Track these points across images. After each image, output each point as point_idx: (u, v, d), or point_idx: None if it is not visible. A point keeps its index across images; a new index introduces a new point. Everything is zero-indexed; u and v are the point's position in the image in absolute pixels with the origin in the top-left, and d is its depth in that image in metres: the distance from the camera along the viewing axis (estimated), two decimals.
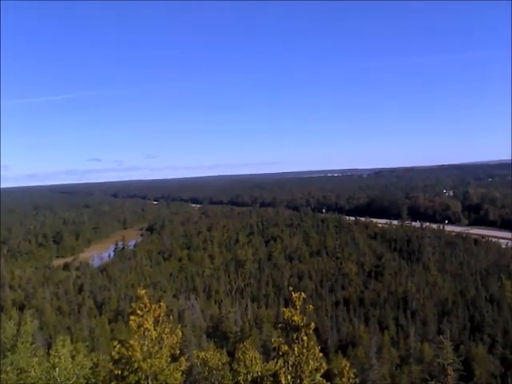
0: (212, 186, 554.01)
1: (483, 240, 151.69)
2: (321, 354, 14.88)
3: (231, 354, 38.88)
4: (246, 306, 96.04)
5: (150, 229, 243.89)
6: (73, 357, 25.69)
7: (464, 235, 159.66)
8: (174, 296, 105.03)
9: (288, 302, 15.35)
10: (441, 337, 23.08)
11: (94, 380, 22.65)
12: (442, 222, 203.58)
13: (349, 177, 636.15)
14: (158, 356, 17.61)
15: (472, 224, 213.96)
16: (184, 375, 20.83)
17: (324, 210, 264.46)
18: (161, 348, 18.15)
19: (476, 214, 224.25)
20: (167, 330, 19.02)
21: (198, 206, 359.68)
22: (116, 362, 17.08)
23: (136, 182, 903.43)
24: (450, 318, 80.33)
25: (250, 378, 18.58)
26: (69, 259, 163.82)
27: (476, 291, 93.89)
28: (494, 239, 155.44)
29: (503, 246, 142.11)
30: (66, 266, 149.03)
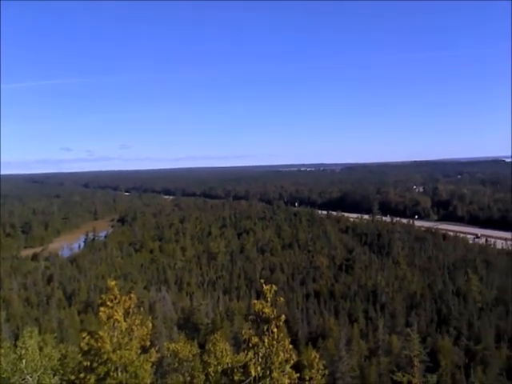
0: (185, 178, 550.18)
1: (451, 235, 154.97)
2: (291, 346, 15.00)
3: (202, 346, 38.90)
4: (218, 298, 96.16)
5: (122, 220, 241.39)
6: (40, 348, 25.30)
7: (433, 230, 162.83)
8: (145, 288, 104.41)
9: (260, 295, 15.44)
10: (408, 329, 23.54)
11: (62, 372, 22.39)
12: (412, 217, 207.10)
13: (322, 171, 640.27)
14: (128, 347, 17.47)
15: (441, 219, 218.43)
16: (154, 367, 20.77)
17: (297, 204, 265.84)
18: (131, 339, 18.00)
19: (445, 210, 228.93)
20: (137, 322, 18.87)
21: (171, 197, 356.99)
22: (85, 353, 16.88)
23: (108, 172, 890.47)
24: (418, 310, 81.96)
25: (220, 369, 18.64)
26: (38, 249, 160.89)
27: (443, 285, 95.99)
28: (461, 235, 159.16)
29: (470, 242, 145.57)
30: (34, 257, 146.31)
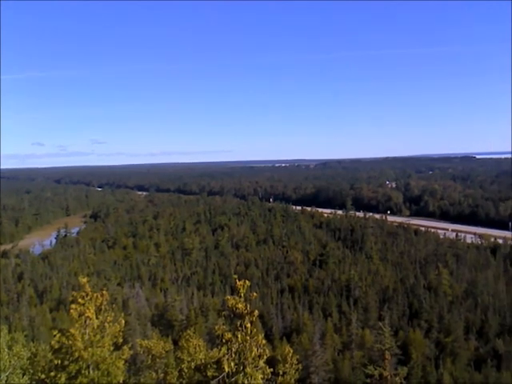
0: (159, 174, 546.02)
1: (423, 230, 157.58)
2: (264, 341, 15.04)
3: (176, 342, 38.74)
4: (192, 294, 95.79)
5: (94, 216, 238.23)
6: (9, 347, 24.83)
7: (405, 225, 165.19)
8: (119, 284, 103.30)
9: (234, 290, 15.44)
10: (380, 323, 23.91)
11: (31, 370, 22.00)
12: (385, 212, 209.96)
13: (296, 167, 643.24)
14: (100, 345, 17.28)
15: (413, 215, 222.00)
16: (127, 364, 20.60)
17: (271, 200, 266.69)
18: (103, 337, 17.80)
19: (417, 206, 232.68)
20: (110, 319, 18.67)
21: (144, 193, 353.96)
22: (56, 351, 16.64)
23: (80, 167, 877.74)
24: (390, 304, 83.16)
25: (193, 365, 18.57)
26: (8, 246, 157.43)
27: (415, 279, 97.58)
28: (433, 229, 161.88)
29: (441, 236, 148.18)
30: (4, 254, 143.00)
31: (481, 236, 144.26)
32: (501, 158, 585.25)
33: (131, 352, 20.51)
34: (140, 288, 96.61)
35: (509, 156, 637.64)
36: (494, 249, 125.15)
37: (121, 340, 19.27)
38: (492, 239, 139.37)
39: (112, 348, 18.37)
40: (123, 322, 19.72)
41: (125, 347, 19.25)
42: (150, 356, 27.00)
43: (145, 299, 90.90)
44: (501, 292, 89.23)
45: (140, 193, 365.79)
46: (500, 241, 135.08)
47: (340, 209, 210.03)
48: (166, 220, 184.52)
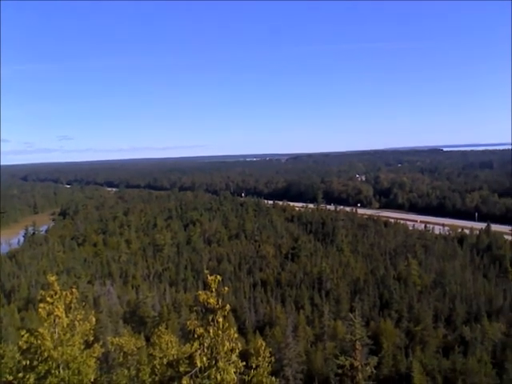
0: (129, 170, 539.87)
1: (392, 222, 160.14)
2: (236, 335, 15.09)
3: (149, 339, 38.54)
4: (165, 290, 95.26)
5: (63, 213, 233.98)
6: None
7: (375, 218, 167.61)
8: (89, 282, 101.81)
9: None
10: (350, 314, 24.24)
11: None
12: (355, 205, 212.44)
13: (267, 161, 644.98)
14: (70, 343, 17.06)
15: (382, 207, 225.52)
16: (99, 362, 20.37)
17: (243, 194, 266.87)
18: (73, 335, 17.58)
19: (386, 198, 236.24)
20: (80, 317, 18.45)
21: (114, 189, 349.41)
22: (24, 351, 16.35)
23: (48, 164, 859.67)
24: (361, 296, 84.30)
25: (165, 361, 18.51)
26: None
27: (385, 270, 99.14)
28: (402, 221, 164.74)
29: (410, 228, 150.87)
30: None
31: (448, 227, 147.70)
32: (467, 151, 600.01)
33: (103, 350, 20.31)
34: (111, 285, 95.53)
35: (475, 148, 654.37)
36: (461, 239, 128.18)
37: (92, 338, 19.07)
38: (459, 230, 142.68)
39: (83, 346, 18.16)
40: (94, 319, 19.52)
41: (96, 345, 19.06)
42: (122, 353, 26.79)
43: (116, 296, 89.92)
44: (468, 281, 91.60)
45: (110, 189, 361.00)
46: (467, 231, 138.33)
47: (311, 202, 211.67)
48: (137, 216, 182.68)
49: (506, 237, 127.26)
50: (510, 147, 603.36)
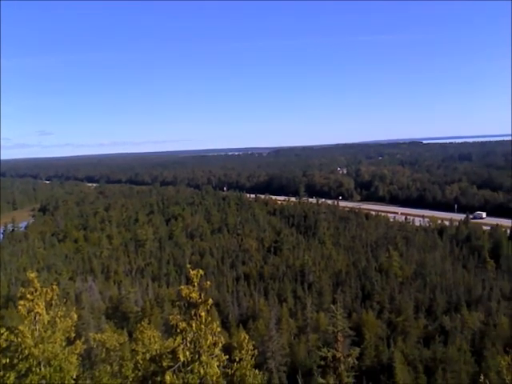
0: (109, 165, 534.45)
1: (373, 214, 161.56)
2: (219, 329, 15.11)
3: (132, 335, 38.38)
4: (147, 285, 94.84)
5: (43, 209, 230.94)
6: None
7: (356, 210, 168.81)
8: (71, 278, 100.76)
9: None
10: (332, 306, 24.45)
11: None
12: (337, 198, 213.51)
13: (249, 155, 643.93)
14: (52, 341, 16.89)
15: (363, 200, 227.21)
16: (81, 358, 20.24)
17: (225, 188, 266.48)
18: (54, 332, 17.41)
19: (367, 191, 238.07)
20: (61, 314, 18.28)
21: (95, 185, 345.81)
22: (4, 350, 16.14)
23: (27, 160, 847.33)
24: (343, 287, 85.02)
25: (148, 356, 18.48)
26: None
27: (367, 262, 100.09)
28: (383, 213, 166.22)
29: (391, 220, 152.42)
30: None
31: (428, 218, 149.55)
32: (446, 143, 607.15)
33: (85, 346, 20.16)
34: (93, 281, 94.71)
35: (454, 140, 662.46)
36: (441, 230, 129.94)
37: (73, 335, 18.91)
38: (439, 221, 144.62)
39: (64, 343, 18.01)
40: (75, 316, 19.35)
41: (78, 342, 18.92)
42: (104, 349, 26.67)
43: (98, 292, 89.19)
44: (447, 271, 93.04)
45: (90, 184, 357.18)
46: (446, 222, 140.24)
47: (293, 196, 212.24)
48: (118, 211, 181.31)
49: (484, 228, 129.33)
50: (488, 139, 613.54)
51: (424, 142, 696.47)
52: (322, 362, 22.20)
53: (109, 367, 24.90)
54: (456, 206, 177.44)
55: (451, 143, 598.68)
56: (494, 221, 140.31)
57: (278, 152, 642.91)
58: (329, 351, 21.62)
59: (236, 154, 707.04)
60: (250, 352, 20.61)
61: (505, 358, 19.76)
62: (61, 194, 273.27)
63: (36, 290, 17.27)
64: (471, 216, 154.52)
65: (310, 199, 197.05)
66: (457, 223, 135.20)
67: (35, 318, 16.94)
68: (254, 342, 22.92)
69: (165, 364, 14.44)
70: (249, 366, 19.67)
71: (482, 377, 20.59)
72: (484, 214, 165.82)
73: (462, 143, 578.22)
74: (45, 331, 17.16)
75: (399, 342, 60.72)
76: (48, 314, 17.68)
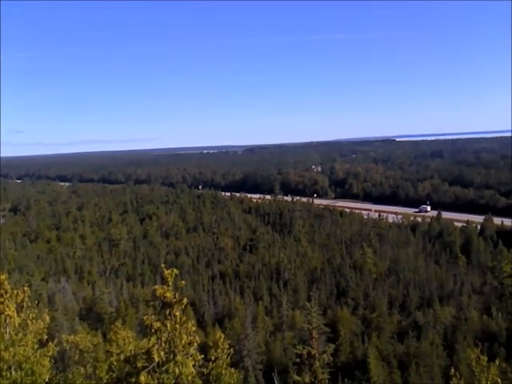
0: (82, 163, 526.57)
1: (348, 212, 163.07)
2: (194, 328, 15.05)
3: (106, 336, 37.95)
4: (122, 285, 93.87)
5: (14, 209, 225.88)
6: None
7: (331, 208, 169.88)
8: (43, 279, 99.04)
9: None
10: (307, 303, 24.65)
11: None
12: (311, 195, 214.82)
13: (224, 153, 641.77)
14: (23, 343, 16.56)
15: (338, 197, 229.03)
16: (53, 361, 19.91)
17: (200, 187, 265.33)
18: (25, 335, 17.08)
19: (341, 188, 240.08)
20: (33, 316, 17.96)
21: (67, 184, 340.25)
22: None
23: None
24: (318, 285, 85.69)
25: (122, 357, 18.27)
26: None
27: (341, 259, 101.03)
28: (357, 211, 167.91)
29: (365, 217, 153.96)
30: None
31: (401, 215, 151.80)
32: (418, 141, 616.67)
33: (57, 348, 19.85)
34: (66, 282, 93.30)
35: (426, 138, 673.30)
36: (414, 227, 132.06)
37: (45, 337, 18.60)
38: (412, 218, 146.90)
39: (36, 346, 17.70)
40: (48, 318, 19.05)
41: (50, 344, 18.60)
42: (78, 351, 26.31)
43: (72, 293, 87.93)
44: (420, 267, 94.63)
45: (62, 183, 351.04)
46: (419, 219, 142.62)
47: (268, 194, 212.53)
48: (91, 211, 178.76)
49: (456, 224, 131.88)
50: (459, 137, 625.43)
51: (397, 139, 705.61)
52: (298, 360, 22.35)
53: (82, 369, 24.55)
54: (428, 202, 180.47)
55: (423, 141, 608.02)
56: (465, 217, 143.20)
57: (252, 150, 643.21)
58: (304, 348, 21.77)
59: (211, 152, 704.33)
60: (225, 351, 20.59)
61: (474, 350, 20.16)
62: (32, 194, 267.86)
63: (6, 292, 16.93)
64: (417, 209, 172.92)
65: (285, 197, 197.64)
66: (429, 220, 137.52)
67: (5, 320, 16.60)
68: (229, 341, 22.90)
69: (139, 365, 14.32)
70: (224, 364, 19.66)
71: (452, 370, 20.99)
72: (429, 208, 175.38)
73: (433, 141, 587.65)
74: (16, 334, 16.83)
75: (374, 337, 61.53)
76: (19, 316, 17.35)
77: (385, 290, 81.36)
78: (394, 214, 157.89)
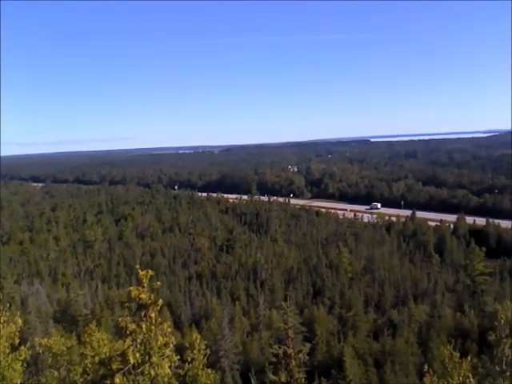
0: (55, 164, 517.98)
1: (324, 211, 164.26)
2: (170, 329, 14.92)
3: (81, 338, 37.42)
4: (97, 287, 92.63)
5: None
6: None
7: (307, 208, 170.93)
8: (16, 282, 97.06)
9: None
10: (283, 303, 24.76)
11: None
12: (288, 195, 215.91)
13: (200, 153, 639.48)
14: None
15: (314, 197, 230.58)
16: (26, 365, 19.57)
17: (176, 187, 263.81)
18: None
19: (317, 188, 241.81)
20: (5, 319, 17.63)
21: (40, 185, 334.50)
22: None
23: None
24: (295, 284, 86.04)
25: (97, 359, 18.05)
26: None
27: (318, 259, 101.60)
28: (333, 210, 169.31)
29: (341, 217, 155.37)
30: None
31: (376, 215, 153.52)
32: (392, 141, 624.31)
33: (30, 352, 19.52)
34: (40, 284, 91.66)
35: (400, 138, 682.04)
36: (389, 226, 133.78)
37: (18, 340, 18.28)
38: (386, 217, 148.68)
39: (8, 350, 17.37)
40: (20, 321, 18.73)
41: (22, 347, 18.30)
42: (51, 354, 25.88)
43: (45, 296, 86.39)
44: (395, 266, 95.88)
45: (35, 184, 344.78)
46: (394, 219, 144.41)
47: (245, 194, 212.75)
48: (66, 212, 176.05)
49: (430, 223, 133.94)
50: (432, 137, 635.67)
51: (371, 140, 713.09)
52: (274, 359, 22.41)
53: (56, 372, 24.21)
54: (402, 202, 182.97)
55: (397, 141, 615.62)
56: (438, 216, 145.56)
57: (229, 150, 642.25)
58: (280, 348, 21.83)
59: (187, 152, 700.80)
60: (202, 351, 20.58)
61: (447, 347, 20.58)
62: (5, 195, 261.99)
63: None
64: (368, 207, 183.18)
65: (262, 197, 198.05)
66: (403, 219, 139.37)
67: None
68: (206, 342, 22.92)
69: (114, 367, 14.15)
70: (201, 365, 19.64)
71: (426, 366, 21.35)
72: (379, 205, 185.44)
73: (407, 141, 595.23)
74: None
75: (350, 336, 62.04)
76: None
77: (360, 288, 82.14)
78: (369, 213, 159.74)
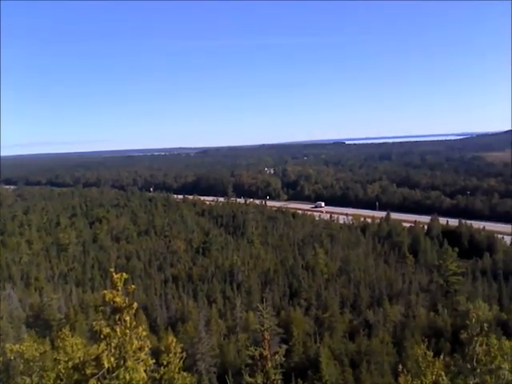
0: (28, 166, 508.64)
1: (300, 213, 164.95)
2: (145, 333, 14.79)
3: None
4: (71, 291, 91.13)
5: None
6: None
7: (283, 209, 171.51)
8: None
9: None
10: (260, 305, 24.73)
11: None
12: (264, 197, 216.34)
13: (176, 155, 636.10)
14: None
15: (290, 199, 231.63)
16: None
17: (152, 189, 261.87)
18: None
19: (294, 190, 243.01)
20: None
21: (12, 187, 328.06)
22: None
23: None
24: (271, 286, 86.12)
25: (71, 364, 17.76)
26: None
27: (294, 260, 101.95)
28: (309, 212, 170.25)
29: (317, 218, 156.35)
30: None
31: (352, 216, 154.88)
32: (367, 143, 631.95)
33: (1, 358, 19.11)
34: (12, 289, 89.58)
35: (374, 141, 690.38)
36: (364, 228, 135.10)
37: None
38: (362, 219, 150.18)
39: None
40: None
41: None
42: (23, 360, 25.31)
43: (18, 300, 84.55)
44: (370, 267, 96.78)
45: (7, 187, 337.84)
46: (369, 220, 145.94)
47: (221, 196, 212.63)
48: (38, 215, 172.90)
49: (404, 224, 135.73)
50: (406, 140, 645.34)
51: (346, 142, 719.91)
52: (250, 361, 22.39)
53: (28, 379, 23.69)
54: (377, 203, 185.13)
55: (372, 144, 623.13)
56: (412, 217, 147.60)
57: (205, 152, 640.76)
58: (256, 350, 21.83)
59: (162, 154, 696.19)
60: (178, 355, 20.41)
61: (421, 346, 20.89)
62: None
63: None
64: (313, 205, 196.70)
65: (239, 199, 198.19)
66: (378, 220, 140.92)
67: None
68: (182, 345, 22.75)
69: (88, 372, 13.95)
70: (177, 369, 19.48)
71: (400, 366, 21.62)
72: (323, 204, 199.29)
73: (381, 144, 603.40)
74: None
75: (326, 337, 62.32)
76: None
77: (336, 289, 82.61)
78: (344, 215, 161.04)
